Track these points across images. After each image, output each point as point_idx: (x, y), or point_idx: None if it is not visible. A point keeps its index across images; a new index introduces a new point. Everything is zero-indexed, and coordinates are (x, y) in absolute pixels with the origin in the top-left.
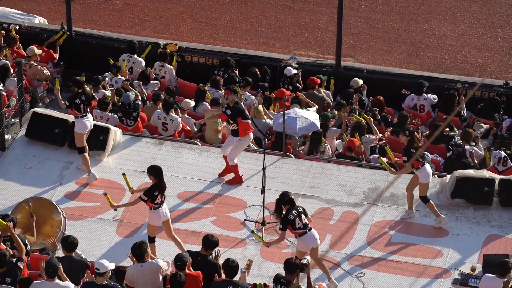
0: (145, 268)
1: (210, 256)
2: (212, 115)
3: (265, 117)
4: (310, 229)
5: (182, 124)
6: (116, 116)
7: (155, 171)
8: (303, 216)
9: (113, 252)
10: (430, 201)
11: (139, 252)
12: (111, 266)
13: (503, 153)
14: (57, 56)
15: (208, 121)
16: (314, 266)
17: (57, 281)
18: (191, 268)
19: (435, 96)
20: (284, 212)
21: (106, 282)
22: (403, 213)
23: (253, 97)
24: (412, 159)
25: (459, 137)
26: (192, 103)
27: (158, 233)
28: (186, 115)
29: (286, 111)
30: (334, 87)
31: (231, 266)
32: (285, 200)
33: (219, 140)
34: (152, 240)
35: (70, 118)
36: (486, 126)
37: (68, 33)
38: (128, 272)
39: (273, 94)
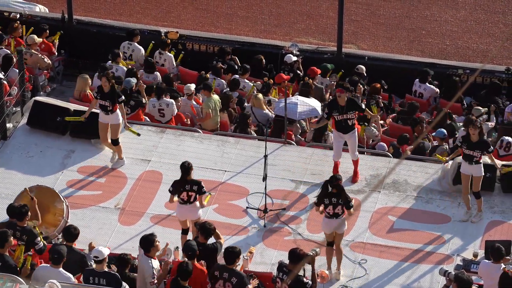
0: (139, 262)
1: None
2: (208, 101)
3: (265, 107)
4: (339, 216)
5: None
6: None
7: (182, 168)
8: (339, 207)
9: (115, 240)
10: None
11: (147, 244)
12: (107, 251)
13: (511, 139)
14: (55, 51)
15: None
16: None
17: (61, 269)
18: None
19: (437, 90)
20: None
21: (105, 269)
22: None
23: (251, 84)
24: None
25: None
26: (193, 86)
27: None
28: (193, 101)
29: (288, 97)
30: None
31: (229, 252)
32: (334, 183)
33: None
34: (184, 232)
35: (71, 106)
36: (484, 110)
37: (62, 31)
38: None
39: (271, 81)
